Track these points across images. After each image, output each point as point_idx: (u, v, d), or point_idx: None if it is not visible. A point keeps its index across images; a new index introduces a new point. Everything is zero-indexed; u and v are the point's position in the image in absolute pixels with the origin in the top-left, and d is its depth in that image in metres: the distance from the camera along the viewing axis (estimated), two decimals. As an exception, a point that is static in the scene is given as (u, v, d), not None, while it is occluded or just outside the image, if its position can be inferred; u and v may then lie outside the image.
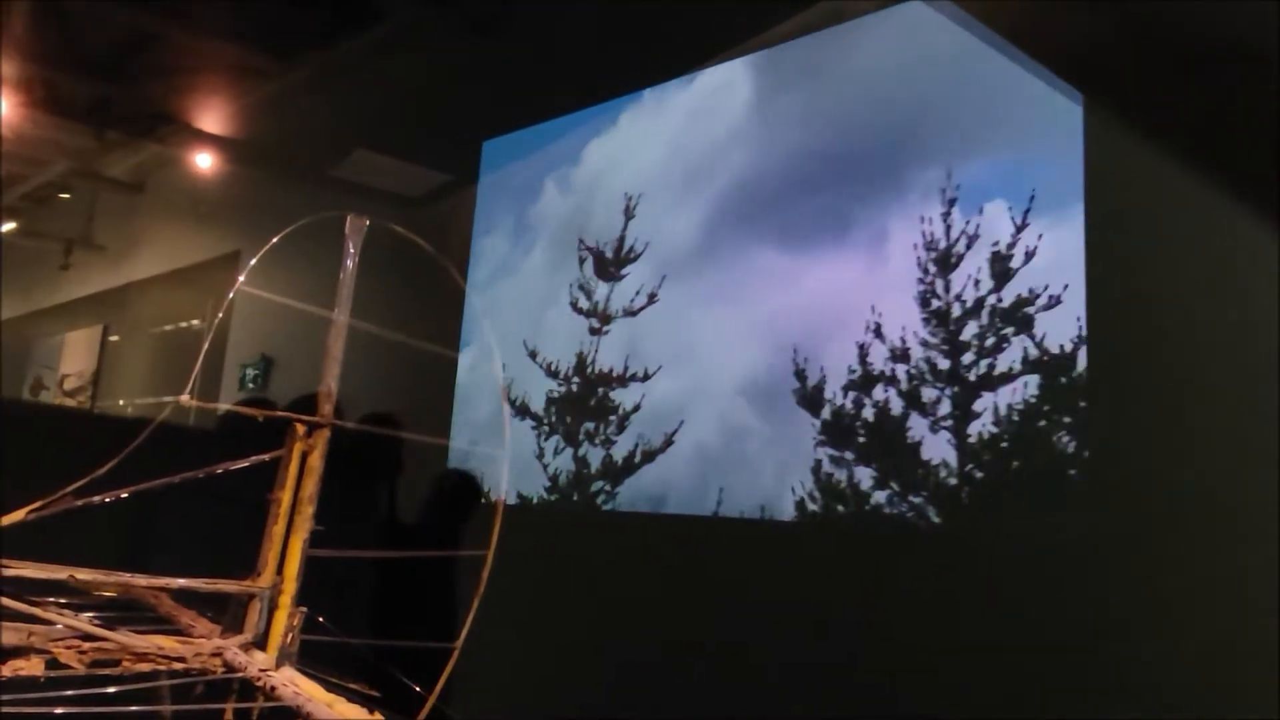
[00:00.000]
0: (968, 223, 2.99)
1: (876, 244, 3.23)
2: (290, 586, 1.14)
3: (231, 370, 6.05)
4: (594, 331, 4.16)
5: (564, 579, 3.70)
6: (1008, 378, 2.83)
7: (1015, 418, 2.80)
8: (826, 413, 3.24)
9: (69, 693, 0.98)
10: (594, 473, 4.02)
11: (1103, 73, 2.59)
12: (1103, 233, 2.67)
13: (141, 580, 1.11)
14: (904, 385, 3.07)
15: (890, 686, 2.76)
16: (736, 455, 3.50)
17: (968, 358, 2.95)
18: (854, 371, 3.19)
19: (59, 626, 1.05)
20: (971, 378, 2.93)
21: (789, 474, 3.30)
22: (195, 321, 7.38)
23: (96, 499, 1.06)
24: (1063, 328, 2.71)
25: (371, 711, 0.94)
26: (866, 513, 3.09)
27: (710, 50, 3.84)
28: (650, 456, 3.79)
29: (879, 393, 3.11)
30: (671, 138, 4.02)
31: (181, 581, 1.14)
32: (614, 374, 4.03)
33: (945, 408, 2.96)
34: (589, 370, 4.17)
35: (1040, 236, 2.82)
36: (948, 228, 3.05)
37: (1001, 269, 2.90)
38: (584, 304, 4.22)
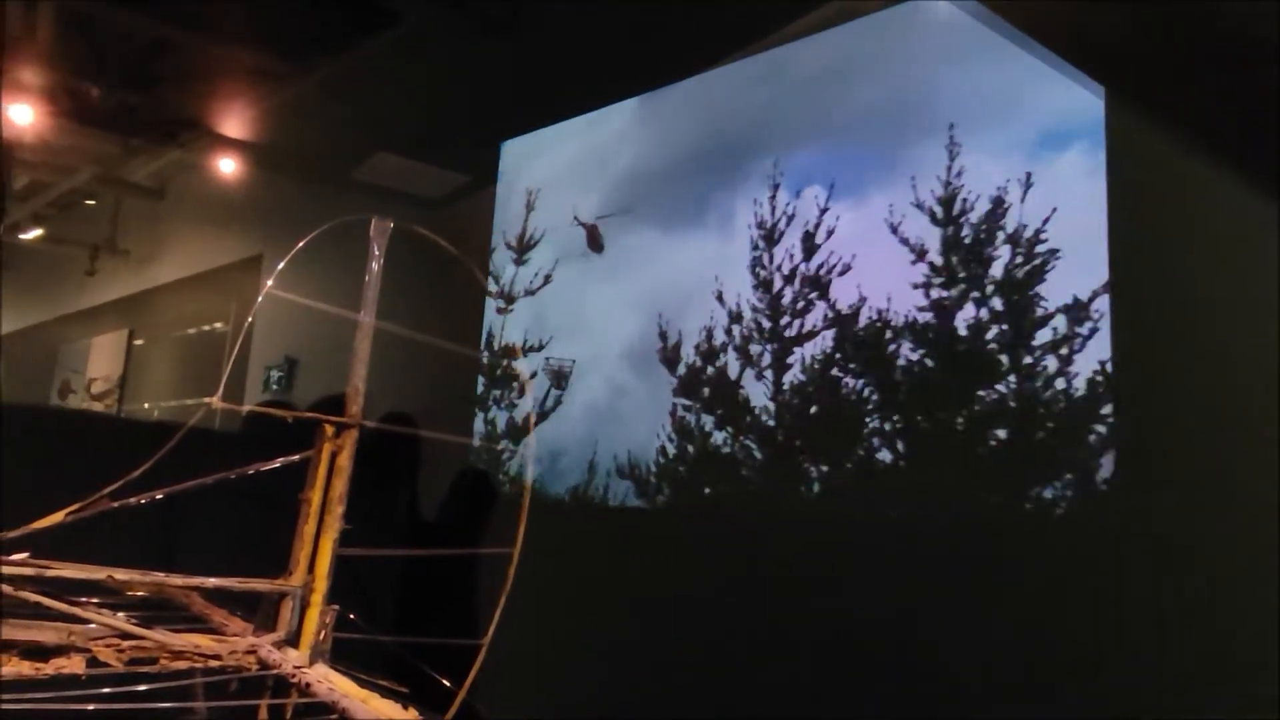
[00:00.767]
0: (788, 205, 3.64)
1: (725, 224, 3.90)
2: (321, 585, 1.15)
3: (256, 372, 6.11)
4: (500, 311, 4.84)
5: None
6: (812, 335, 3.48)
7: (816, 367, 3.45)
8: (681, 369, 3.95)
9: (106, 690, 1.00)
10: (500, 432, 4.67)
11: (1123, 66, 2.57)
12: (1126, 223, 2.65)
13: (176, 580, 1.13)
14: (737, 342, 3.74)
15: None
16: (617, 410, 4.19)
17: (784, 319, 3.58)
18: (702, 333, 3.88)
19: (92, 626, 1.08)
20: (787, 335, 3.57)
21: (655, 423, 3.97)
22: (218, 324, 7.46)
23: (132, 501, 1.09)
24: (849, 293, 3.40)
25: (406, 707, 0.96)
26: (710, 452, 3.75)
27: (724, 49, 3.84)
28: (544, 416, 4.46)
29: (719, 350, 3.81)
30: (571, 137, 4.69)
31: (215, 581, 1.16)
32: (516, 346, 4.80)
33: (766, 360, 3.61)
34: (495, 344, 4.93)
35: (838, 218, 3.48)
36: (773, 209, 3.69)
37: (809, 244, 3.55)
38: (493, 286, 4.86)
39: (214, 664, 1.06)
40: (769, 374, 3.57)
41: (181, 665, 1.04)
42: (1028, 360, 2.85)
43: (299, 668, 1.07)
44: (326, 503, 1.20)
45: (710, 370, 3.80)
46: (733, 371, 3.73)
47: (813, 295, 3.49)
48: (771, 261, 3.65)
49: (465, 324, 4.68)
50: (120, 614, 1.12)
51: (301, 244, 1.22)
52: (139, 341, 8.72)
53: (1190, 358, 2.49)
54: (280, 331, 5.96)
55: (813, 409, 3.41)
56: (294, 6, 4.00)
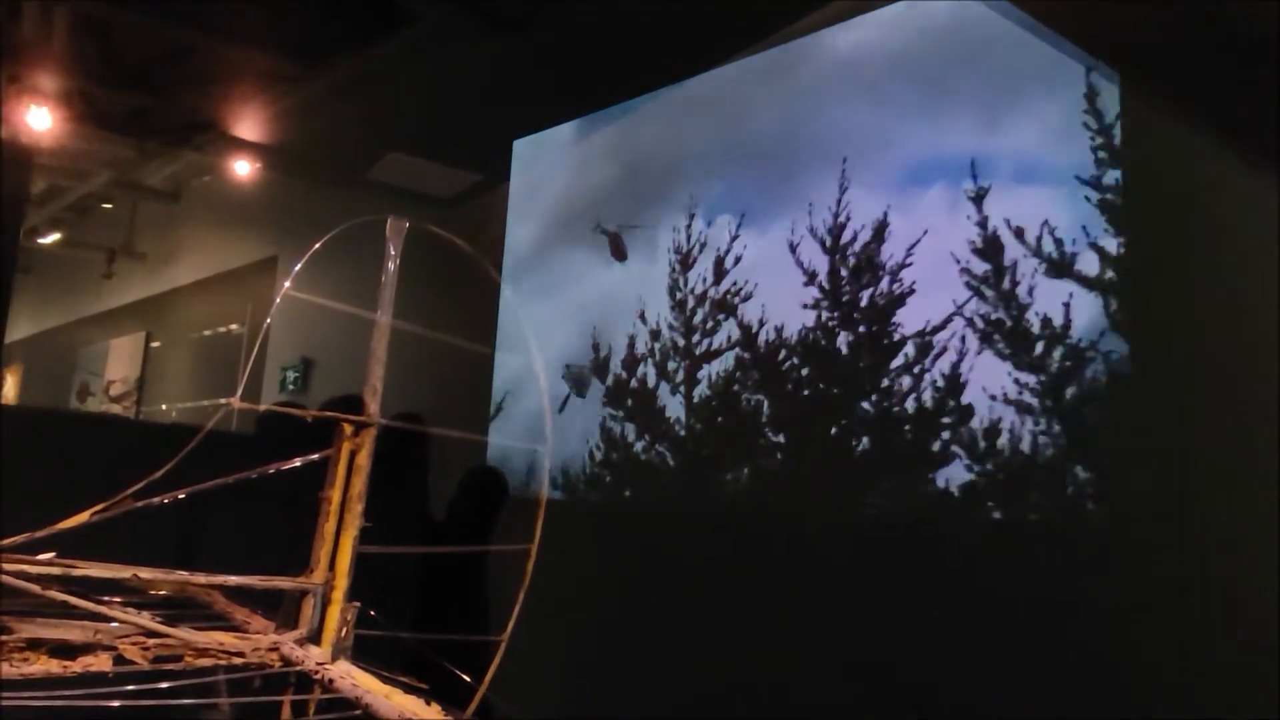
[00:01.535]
0: (701, 233, 4.01)
1: (649, 248, 4.27)
2: (342, 582, 1.16)
3: (272, 373, 6.15)
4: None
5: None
6: (718, 353, 3.82)
7: (720, 384, 3.79)
8: (610, 381, 4.25)
9: (132, 687, 1.02)
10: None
11: (1142, 55, 2.56)
12: (1139, 215, 2.64)
13: (200, 579, 1.15)
14: (657, 359, 4.08)
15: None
16: (555, 418, 4.51)
17: (696, 338, 3.93)
18: (626, 348, 4.22)
19: (114, 624, 1.09)
20: (697, 352, 3.92)
21: (587, 430, 4.30)
22: (234, 326, 7.51)
23: (155, 500, 1.10)
24: (754, 314, 3.73)
25: (428, 703, 0.97)
26: (631, 458, 4.07)
27: (735, 46, 3.84)
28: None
29: (641, 366, 4.15)
30: (517, 169, 4.96)
31: (237, 579, 1.17)
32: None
33: (680, 375, 3.97)
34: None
35: (745, 246, 3.82)
36: (689, 236, 4.06)
37: (719, 269, 3.90)
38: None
39: (238, 661, 1.07)
40: (682, 388, 3.97)
41: (206, 663, 1.06)
42: (886, 382, 3.22)
43: (322, 664, 1.08)
44: (346, 501, 1.21)
45: (633, 383, 4.18)
46: (651, 384, 4.12)
47: (720, 316, 3.86)
48: (686, 284, 4.02)
49: (479, 322, 4.69)
50: (145, 613, 1.14)
51: (319, 244, 1.23)
52: (156, 343, 8.78)
53: (1205, 351, 2.48)
54: (295, 332, 6.00)
55: (719, 419, 3.79)
56: (306, 9, 4.02)
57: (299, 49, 4.22)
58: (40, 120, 4.62)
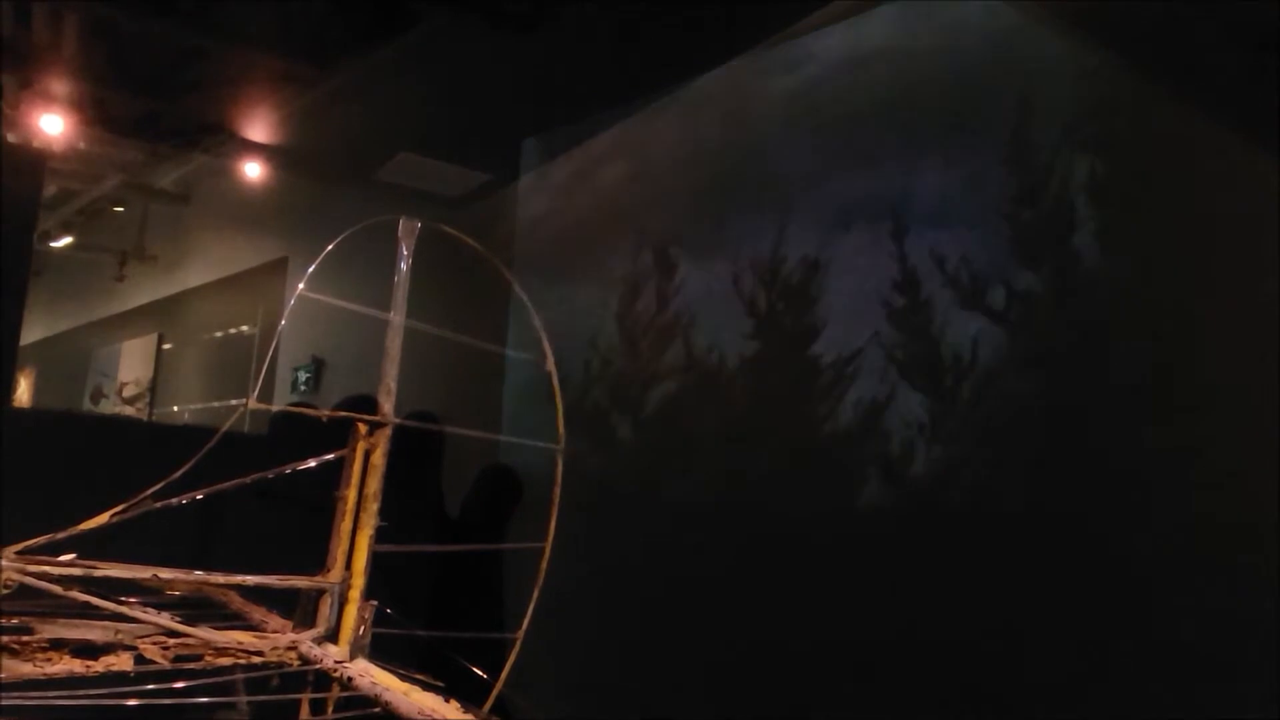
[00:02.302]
0: (648, 264, 4.24)
1: (603, 278, 4.51)
2: (359, 581, 1.17)
3: (284, 373, 6.17)
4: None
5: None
6: (665, 375, 4.08)
7: (668, 408, 4.07)
8: (567, 401, 4.25)
9: (153, 686, 1.02)
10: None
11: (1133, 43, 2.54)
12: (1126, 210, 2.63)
13: (218, 578, 1.15)
14: (610, 382, 4.32)
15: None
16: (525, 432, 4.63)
17: (642, 362, 4.18)
18: (584, 371, 4.42)
19: (135, 624, 1.10)
20: (644, 377, 4.16)
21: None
22: (245, 327, 7.54)
23: (174, 501, 1.11)
24: (703, 340, 3.98)
25: (446, 700, 0.97)
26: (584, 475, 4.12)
27: (744, 43, 3.83)
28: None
29: (594, 389, 4.38)
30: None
31: (255, 578, 1.18)
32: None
33: (632, 395, 4.19)
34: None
35: (687, 275, 4.08)
36: (635, 267, 4.30)
37: (664, 298, 4.14)
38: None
39: (257, 660, 1.08)
40: (630, 408, 4.23)
41: (225, 662, 1.06)
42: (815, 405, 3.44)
43: (340, 662, 1.09)
44: (361, 500, 1.22)
45: (587, 404, 4.43)
46: (605, 406, 4.38)
47: (665, 342, 4.12)
48: (633, 311, 4.29)
49: (490, 321, 4.70)
50: (165, 613, 1.15)
51: (332, 245, 1.23)
52: (168, 345, 8.82)
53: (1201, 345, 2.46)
54: (307, 332, 6.02)
55: (666, 440, 4.09)
56: (315, 10, 4.03)
57: (309, 50, 4.23)
58: (52, 124, 4.65)
